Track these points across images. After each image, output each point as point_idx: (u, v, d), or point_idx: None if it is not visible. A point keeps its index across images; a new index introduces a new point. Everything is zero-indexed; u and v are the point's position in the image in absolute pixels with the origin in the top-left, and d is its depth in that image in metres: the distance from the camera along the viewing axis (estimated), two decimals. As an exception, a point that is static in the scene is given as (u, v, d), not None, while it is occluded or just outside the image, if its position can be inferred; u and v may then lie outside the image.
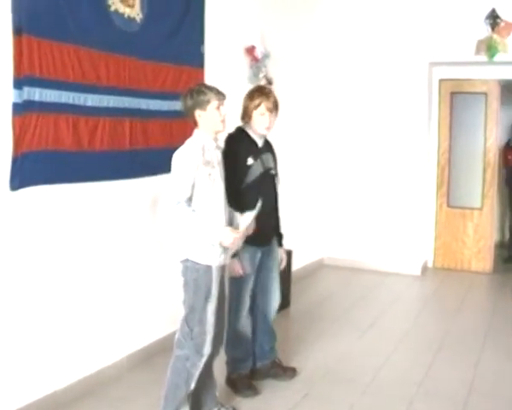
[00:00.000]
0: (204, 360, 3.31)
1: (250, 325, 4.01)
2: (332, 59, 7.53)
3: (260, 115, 3.78)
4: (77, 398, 3.78)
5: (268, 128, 3.82)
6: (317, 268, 7.45)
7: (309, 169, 7.24)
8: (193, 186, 3.24)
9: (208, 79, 4.90)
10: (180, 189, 3.22)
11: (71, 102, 3.66)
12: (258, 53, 5.72)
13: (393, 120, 7.34)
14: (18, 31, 3.28)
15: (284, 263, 4.17)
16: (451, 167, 7.59)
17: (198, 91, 3.32)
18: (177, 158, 3.27)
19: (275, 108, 3.82)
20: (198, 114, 3.31)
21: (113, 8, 3.96)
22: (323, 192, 7.67)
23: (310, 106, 7.20)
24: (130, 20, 4.13)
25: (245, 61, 5.68)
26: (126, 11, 4.08)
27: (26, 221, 3.45)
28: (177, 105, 4.08)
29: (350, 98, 7.53)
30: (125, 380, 4.13)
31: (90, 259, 3.93)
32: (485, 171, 7.44)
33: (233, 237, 3.28)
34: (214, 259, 3.31)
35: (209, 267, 3.29)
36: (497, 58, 6.68)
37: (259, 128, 3.81)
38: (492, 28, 6.68)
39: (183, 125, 3.98)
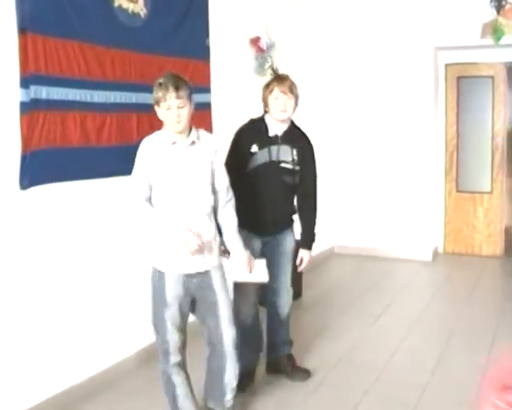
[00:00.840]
0: (175, 370, 3.14)
1: (253, 317, 3.92)
2: (337, 46, 7.50)
3: (275, 99, 3.71)
4: (92, 392, 3.81)
5: (284, 111, 3.71)
6: (328, 257, 7.46)
7: (317, 158, 7.21)
8: (150, 186, 3.04)
9: (214, 72, 4.90)
10: (137, 188, 3.03)
11: (77, 98, 3.67)
12: (263, 43, 5.70)
13: (400, 107, 7.31)
14: (22, 29, 3.29)
15: (303, 265, 3.97)
16: (460, 152, 7.56)
17: (155, 86, 3.00)
18: (137, 156, 3.08)
19: (290, 91, 3.72)
20: (156, 109, 3.06)
21: (116, 4, 3.97)
22: (333, 181, 7.65)
23: (316, 95, 7.17)
24: (134, 15, 4.13)
25: (250, 52, 5.67)
26: (130, 6, 4.08)
27: (36, 220, 3.48)
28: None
29: (356, 86, 7.50)
30: (138, 374, 4.15)
31: (101, 255, 3.95)
32: (493, 154, 7.41)
33: (195, 243, 2.92)
34: (168, 266, 3.08)
35: (162, 274, 3.08)
36: (503, 41, 6.63)
37: (275, 113, 3.73)
38: (498, 11, 6.62)
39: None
